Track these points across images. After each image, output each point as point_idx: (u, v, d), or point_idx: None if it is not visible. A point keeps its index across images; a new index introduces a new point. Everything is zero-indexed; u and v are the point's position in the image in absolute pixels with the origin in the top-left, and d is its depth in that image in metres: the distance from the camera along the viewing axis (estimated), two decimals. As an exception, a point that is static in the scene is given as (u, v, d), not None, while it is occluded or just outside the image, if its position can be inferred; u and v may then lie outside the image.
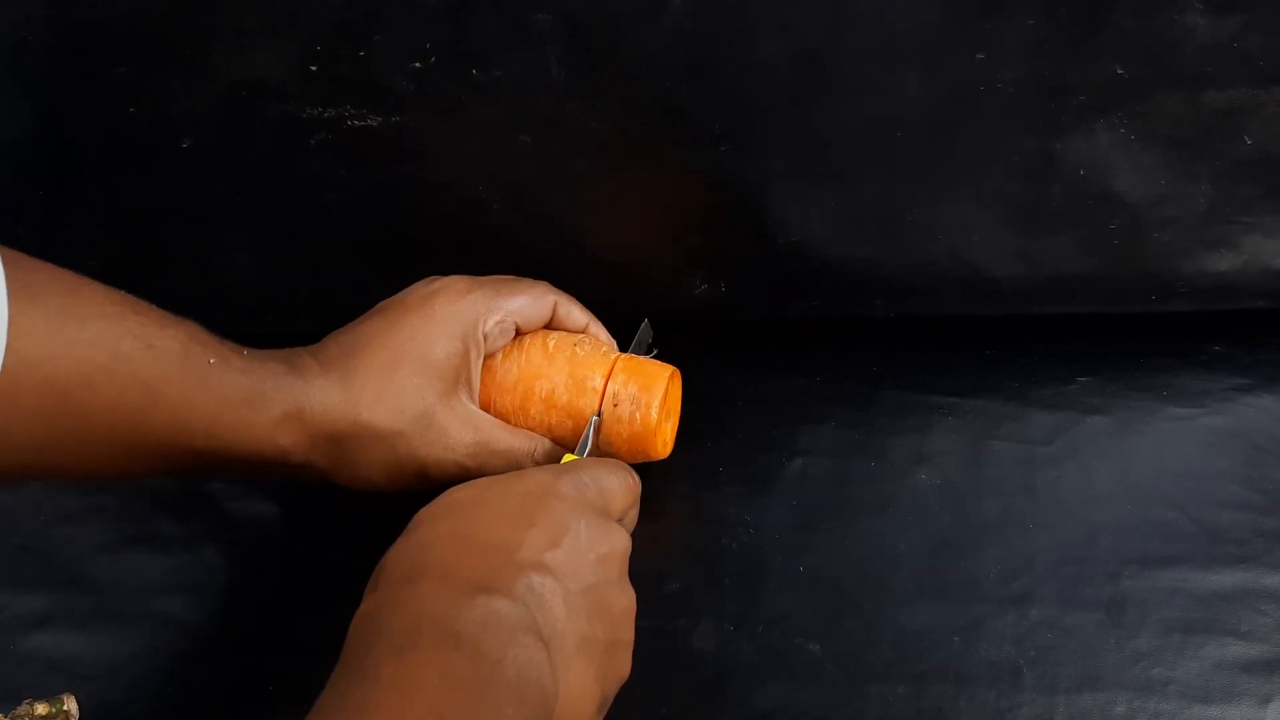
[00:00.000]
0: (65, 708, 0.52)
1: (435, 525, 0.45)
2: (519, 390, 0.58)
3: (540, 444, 0.57)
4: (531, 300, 0.59)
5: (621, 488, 0.51)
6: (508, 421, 0.58)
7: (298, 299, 0.65)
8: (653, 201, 0.62)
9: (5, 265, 0.43)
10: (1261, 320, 0.68)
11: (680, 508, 0.63)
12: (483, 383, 0.58)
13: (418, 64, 0.54)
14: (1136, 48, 0.54)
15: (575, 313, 0.61)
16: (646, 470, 0.63)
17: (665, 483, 0.63)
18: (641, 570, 0.59)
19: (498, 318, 0.57)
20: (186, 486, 0.63)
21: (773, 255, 0.63)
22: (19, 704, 0.52)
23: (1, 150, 0.57)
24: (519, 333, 0.59)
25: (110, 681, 0.55)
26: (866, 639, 0.56)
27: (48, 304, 0.45)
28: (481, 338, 0.56)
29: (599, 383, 0.58)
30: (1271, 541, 0.60)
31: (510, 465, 0.56)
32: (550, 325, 0.60)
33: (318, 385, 0.53)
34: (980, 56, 0.54)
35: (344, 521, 0.61)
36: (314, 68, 0.54)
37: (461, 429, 0.55)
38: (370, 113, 0.56)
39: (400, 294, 0.58)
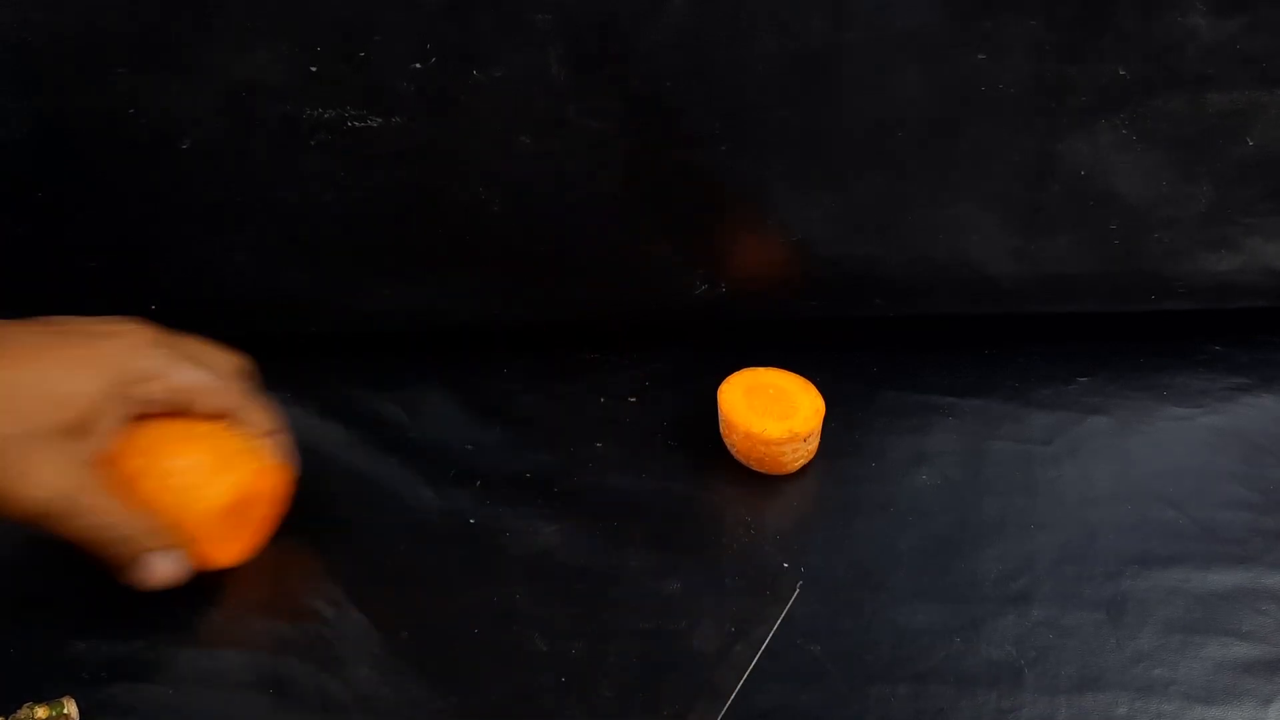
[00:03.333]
0: (65, 711, 0.52)
1: None
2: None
3: (145, 520, 0.51)
4: (212, 383, 0.53)
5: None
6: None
7: (298, 299, 0.65)
8: (653, 201, 0.62)
9: None
10: (1261, 320, 0.69)
11: (680, 508, 0.63)
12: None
13: (418, 64, 0.54)
14: (1138, 48, 0.54)
15: (257, 418, 0.56)
16: (645, 469, 0.63)
17: (665, 483, 0.63)
18: (641, 570, 0.60)
19: (166, 385, 0.51)
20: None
21: (773, 255, 0.63)
22: (19, 707, 0.52)
23: (1, 150, 0.57)
24: (187, 412, 0.53)
25: (109, 684, 0.55)
26: (867, 639, 0.56)
27: None
28: (135, 397, 0.51)
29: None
30: (1271, 541, 0.60)
31: (101, 522, 0.50)
32: (226, 417, 0.55)
33: None
34: (981, 57, 0.54)
35: (342, 524, 0.61)
36: (314, 68, 0.54)
37: (58, 470, 0.48)
38: (370, 113, 0.56)
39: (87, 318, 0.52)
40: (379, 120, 0.56)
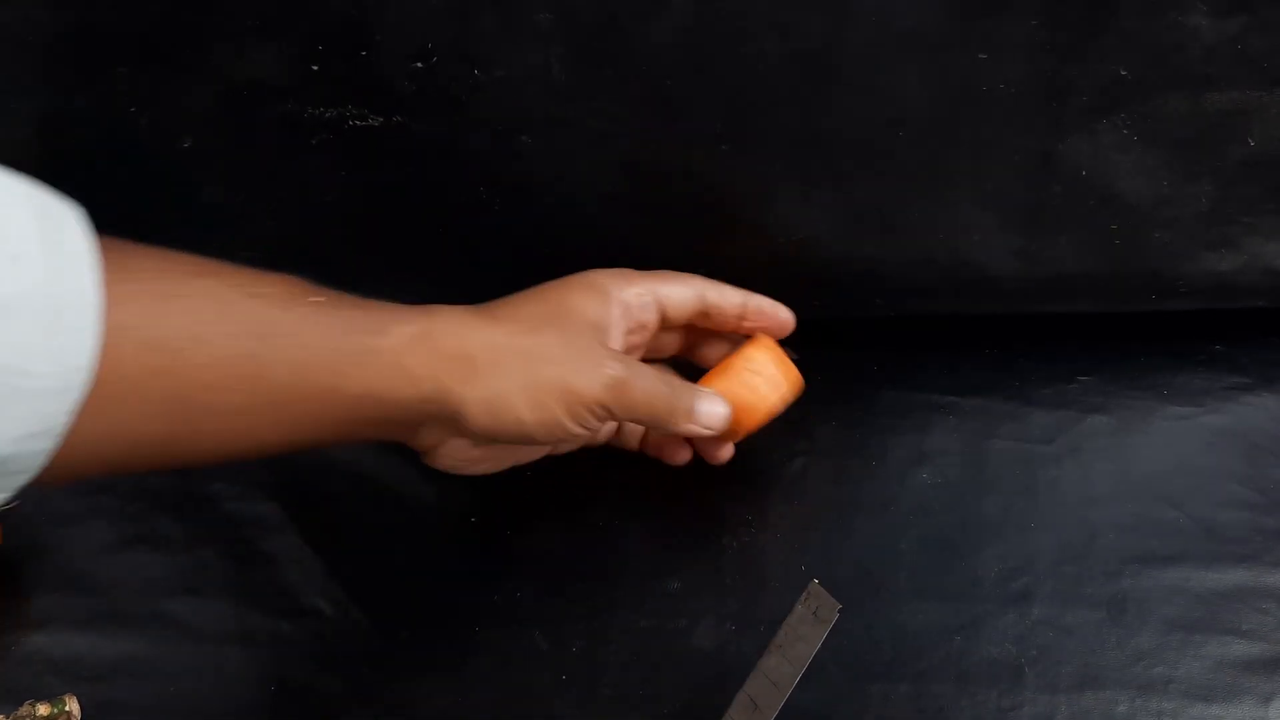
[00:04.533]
0: (67, 708, 0.52)
1: None
2: None
3: (676, 378, 0.56)
4: (676, 280, 0.58)
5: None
6: None
7: (298, 299, 0.65)
8: (653, 202, 0.62)
9: (101, 245, 0.42)
10: (1261, 320, 0.68)
11: (680, 508, 0.63)
12: None
13: (419, 64, 0.54)
14: (1139, 48, 0.54)
15: (728, 291, 0.60)
16: (647, 469, 0.63)
17: (666, 482, 0.63)
18: (642, 570, 0.60)
19: (639, 289, 0.56)
20: (187, 486, 0.63)
21: (773, 255, 0.63)
22: (21, 705, 0.52)
23: (1, 150, 0.57)
24: (666, 316, 0.58)
25: (111, 682, 0.55)
26: (867, 638, 0.56)
27: (140, 266, 0.44)
28: (626, 307, 0.56)
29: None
30: (1271, 540, 0.60)
31: (653, 389, 0.54)
32: (705, 310, 0.59)
33: (445, 312, 0.51)
34: (982, 56, 0.54)
35: (342, 524, 0.61)
36: (315, 68, 0.54)
37: (603, 353, 0.53)
38: (371, 113, 0.56)
39: None
40: (380, 120, 0.56)
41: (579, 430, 0.53)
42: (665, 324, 0.59)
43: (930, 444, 0.65)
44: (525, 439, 0.53)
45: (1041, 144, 0.58)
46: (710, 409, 0.57)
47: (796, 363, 0.61)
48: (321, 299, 0.48)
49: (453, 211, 0.61)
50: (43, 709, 0.52)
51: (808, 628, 0.50)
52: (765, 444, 0.65)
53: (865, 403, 0.67)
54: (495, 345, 0.51)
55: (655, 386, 0.54)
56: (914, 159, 0.59)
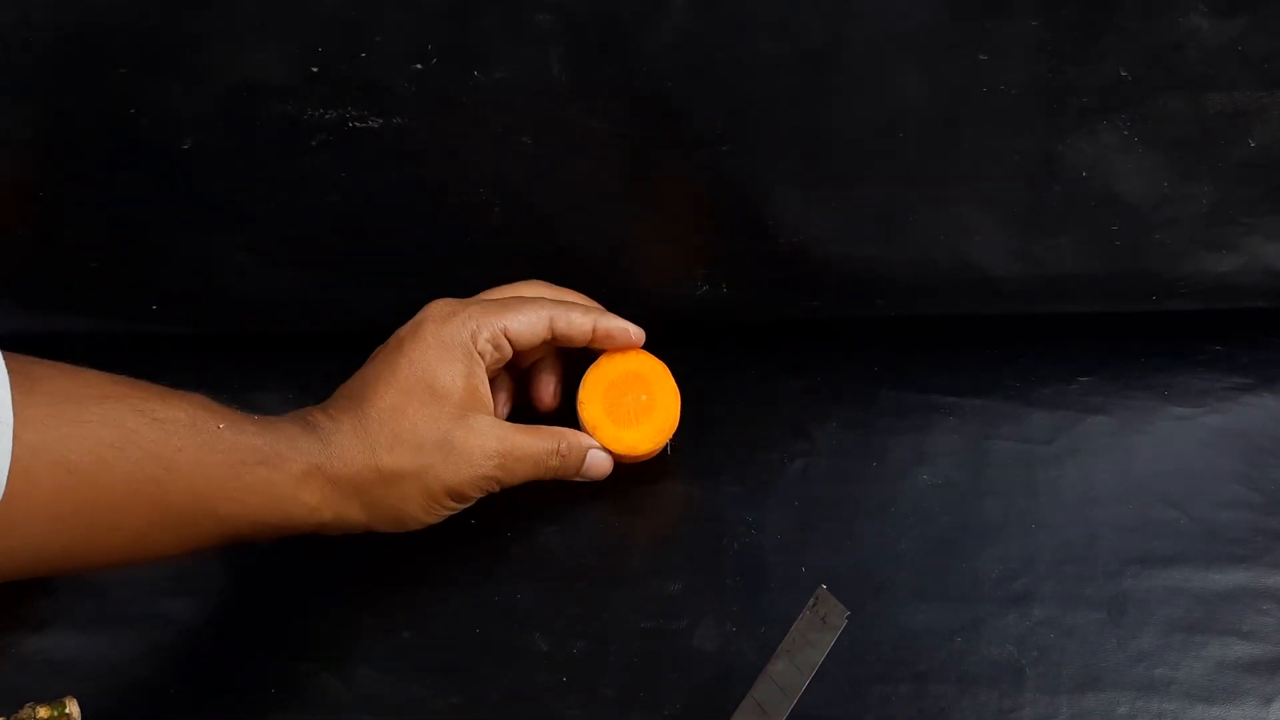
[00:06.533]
0: (67, 710, 0.52)
1: None
2: None
3: (563, 439, 0.59)
4: (523, 315, 0.58)
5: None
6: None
7: (298, 299, 0.65)
8: (653, 202, 0.62)
9: (4, 358, 0.44)
10: (1261, 320, 0.68)
11: (680, 508, 0.63)
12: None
13: (419, 65, 0.54)
14: (1139, 49, 0.54)
15: (576, 319, 0.59)
16: (649, 469, 0.63)
17: (665, 483, 0.63)
18: (642, 570, 0.60)
19: (488, 334, 0.57)
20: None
21: (773, 255, 0.63)
22: (20, 707, 0.52)
23: (1, 150, 0.57)
24: (515, 349, 0.58)
25: (111, 683, 0.55)
26: (868, 639, 0.56)
27: (49, 389, 0.46)
28: (478, 355, 0.57)
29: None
30: (1272, 541, 0.60)
31: (538, 465, 0.58)
32: (553, 338, 0.59)
33: (333, 441, 0.53)
34: (983, 57, 0.54)
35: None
36: (315, 68, 0.54)
37: (483, 443, 0.56)
38: (371, 114, 0.56)
39: (394, 333, 0.58)
40: (379, 120, 0.56)
41: (471, 503, 0.58)
42: (518, 349, 0.59)
43: (930, 444, 0.65)
44: (422, 527, 0.57)
45: (1042, 145, 0.58)
46: (600, 460, 0.61)
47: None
48: (224, 424, 0.50)
49: (453, 211, 0.61)
50: (42, 711, 0.51)
51: (816, 633, 0.50)
52: (765, 444, 0.65)
53: (865, 403, 0.67)
54: (383, 474, 0.54)
55: (534, 464, 0.58)
56: (914, 159, 0.59)
